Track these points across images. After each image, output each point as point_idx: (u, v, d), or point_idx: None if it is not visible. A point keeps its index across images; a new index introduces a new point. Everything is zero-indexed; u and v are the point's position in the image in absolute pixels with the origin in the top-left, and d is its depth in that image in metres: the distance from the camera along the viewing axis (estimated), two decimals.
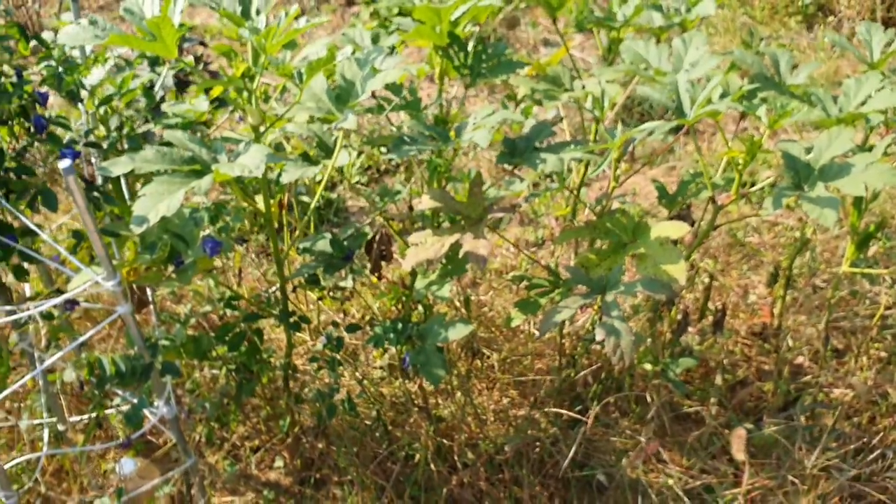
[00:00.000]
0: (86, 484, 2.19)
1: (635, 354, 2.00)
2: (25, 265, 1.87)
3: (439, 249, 1.80)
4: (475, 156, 3.71)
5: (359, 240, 2.09)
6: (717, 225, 2.12)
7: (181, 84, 2.27)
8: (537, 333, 2.61)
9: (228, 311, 2.08)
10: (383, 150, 1.93)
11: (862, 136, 2.12)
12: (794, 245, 2.68)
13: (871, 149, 1.92)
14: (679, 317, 2.36)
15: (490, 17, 2.06)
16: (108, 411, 2.24)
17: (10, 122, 1.85)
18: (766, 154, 3.40)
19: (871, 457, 2.26)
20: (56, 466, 2.24)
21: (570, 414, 2.32)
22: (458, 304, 2.67)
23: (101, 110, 1.99)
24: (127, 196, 2.07)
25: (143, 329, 1.86)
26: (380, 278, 2.21)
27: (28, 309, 1.69)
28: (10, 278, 1.97)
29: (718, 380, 2.47)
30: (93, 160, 2.19)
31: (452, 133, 1.86)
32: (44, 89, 1.92)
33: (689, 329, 2.57)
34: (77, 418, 2.31)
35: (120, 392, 2.13)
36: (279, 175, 1.95)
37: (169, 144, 1.66)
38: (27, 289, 2.22)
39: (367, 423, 2.34)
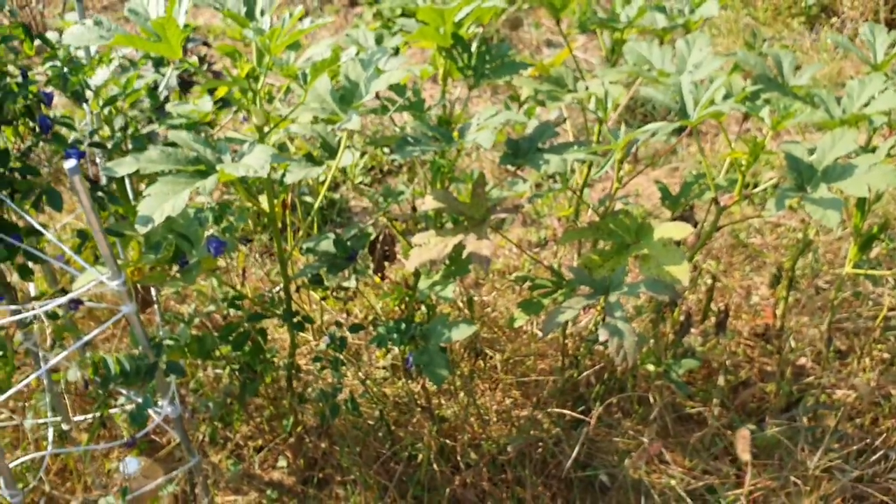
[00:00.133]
0: (90, 483, 2.20)
1: (638, 355, 2.00)
2: (30, 264, 1.88)
3: (442, 250, 1.81)
4: (478, 156, 3.72)
5: (362, 240, 2.09)
6: (720, 226, 2.12)
7: (185, 84, 2.27)
8: (540, 334, 2.61)
9: (232, 311, 2.08)
10: (386, 150, 1.94)
11: (865, 138, 2.12)
12: (797, 246, 2.68)
13: (874, 150, 1.92)
14: (682, 318, 2.36)
15: (493, 17, 2.06)
16: (112, 411, 2.25)
17: (15, 122, 1.85)
18: (769, 155, 3.40)
19: (874, 458, 2.26)
20: (60, 465, 2.25)
21: (573, 414, 2.32)
22: (461, 304, 2.68)
23: (106, 110, 1.99)
24: (131, 196, 2.08)
25: (148, 329, 1.87)
26: (383, 278, 2.22)
27: (33, 308, 1.69)
28: (14, 277, 1.98)
29: (721, 381, 2.47)
30: (97, 160, 2.20)
31: (456, 134, 1.87)
32: (49, 89, 1.93)
33: (692, 330, 2.57)
34: (81, 417, 2.31)
35: (124, 391, 2.14)
36: (283, 175, 1.95)
37: (173, 145, 1.66)
38: (32, 288, 2.22)
39: (371, 423, 2.34)
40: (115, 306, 1.75)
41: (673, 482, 2.24)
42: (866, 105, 1.92)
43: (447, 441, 2.29)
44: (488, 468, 2.26)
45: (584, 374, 2.40)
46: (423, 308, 2.27)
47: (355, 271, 2.13)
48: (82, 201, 1.48)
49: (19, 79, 1.81)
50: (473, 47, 1.99)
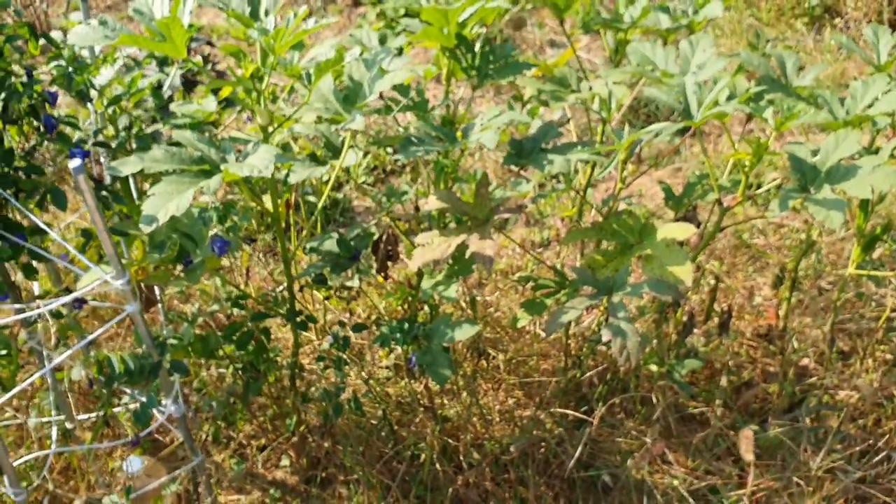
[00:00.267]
0: (93, 482, 2.20)
1: (641, 356, 2.00)
2: (34, 264, 1.88)
3: (446, 250, 1.81)
4: (481, 157, 3.72)
5: (365, 240, 2.10)
6: (723, 227, 2.12)
7: (189, 84, 2.28)
8: (543, 334, 2.61)
9: (236, 311, 2.09)
10: (390, 150, 1.94)
11: (869, 139, 2.12)
12: (800, 247, 2.68)
13: (877, 151, 1.92)
14: (685, 318, 2.36)
15: (497, 18, 2.06)
16: (115, 409, 2.25)
17: (19, 122, 1.86)
18: (773, 156, 3.40)
19: (877, 459, 2.26)
20: (64, 464, 2.25)
21: (576, 414, 2.32)
22: (464, 304, 2.68)
23: (110, 110, 2.00)
24: (135, 195, 2.08)
25: (151, 328, 1.87)
26: (386, 278, 2.22)
27: (37, 307, 1.70)
28: (19, 276, 1.98)
29: (724, 381, 2.47)
30: (102, 160, 2.20)
31: (459, 134, 1.87)
32: (53, 89, 1.93)
33: (695, 330, 2.57)
34: (85, 416, 2.32)
35: (128, 390, 2.14)
36: (287, 175, 1.95)
37: (178, 144, 1.67)
38: (36, 287, 2.23)
39: (373, 422, 2.34)
40: (119, 305, 1.75)
41: (675, 482, 2.24)
42: (870, 106, 1.92)
43: (450, 441, 2.29)
44: (491, 468, 2.26)
45: (587, 374, 2.40)
46: (426, 308, 2.28)
47: (358, 271, 2.14)
48: (87, 200, 1.49)
49: (24, 78, 1.81)
50: (477, 47, 1.99)
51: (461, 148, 1.86)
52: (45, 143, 1.88)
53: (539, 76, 2.21)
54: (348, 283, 2.19)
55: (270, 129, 1.75)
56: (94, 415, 2.31)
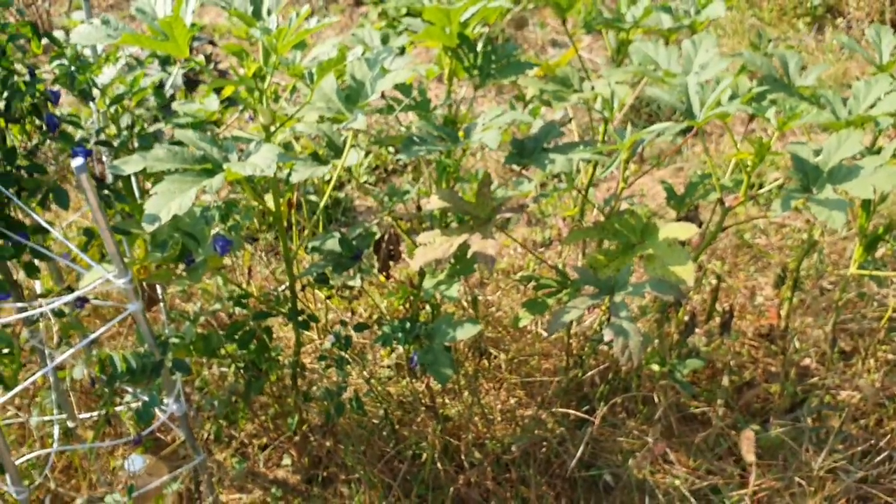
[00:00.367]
0: (95, 480, 2.21)
1: (643, 355, 2.00)
2: (37, 262, 1.88)
3: (447, 249, 1.81)
4: (483, 156, 3.72)
5: (367, 239, 2.10)
6: (725, 226, 2.12)
7: (191, 83, 2.28)
8: (545, 334, 2.61)
9: (238, 310, 2.09)
10: (392, 150, 1.94)
11: (871, 139, 2.12)
12: (802, 247, 2.68)
13: (879, 151, 1.92)
14: (686, 318, 2.36)
15: (499, 17, 2.06)
16: (117, 408, 2.26)
17: (22, 121, 1.86)
18: (775, 156, 3.40)
19: (878, 459, 2.26)
20: (66, 463, 2.25)
21: (578, 414, 2.32)
22: (465, 303, 2.68)
23: (113, 109, 2.00)
24: (137, 194, 2.08)
25: (153, 327, 1.87)
26: (388, 278, 2.22)
27: (39, 306, 1.70)
28: (21, 275, 1.98)
29: (725, 381, 2.47)
30: (104, 158, 2.20)
31: (461, 133, 1.87)
32: (56, 88, 1.93)
33: (697, 330, 2.57)
34: (87, 415, 2.32)
35: (130, 389, 2.14)
36: (289, 174, 1.96)
37: (180, 143, 1.67)
38: (38, 286, 2.23)
39: (375, 421, 2.34)
40: (121, 304, 1.75)
41: (677, 482, 2.24)
42: (872, 106, 1.92)
43: (451, 440, 2.29)
44: (492, 467, 2.26)
45: (589, 373, 2.40)
46: (428, 307, 2.28)
47: (360, 270, 2.14)
48: (89, 199, 1.49)
49: (27, 77, 1.82)
50: (479, 47, 1.99)
51: (463, 147, 1.86)
52: (48, 141, 1.88)
53: (541, 76, 2.21)
54: (350, 283, 2.19)
55: (273, 128, 1.76)
56: (95, 413, 2.31)
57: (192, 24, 1.66)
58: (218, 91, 2.08)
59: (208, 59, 2.51)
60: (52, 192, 1.82)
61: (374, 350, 2.63)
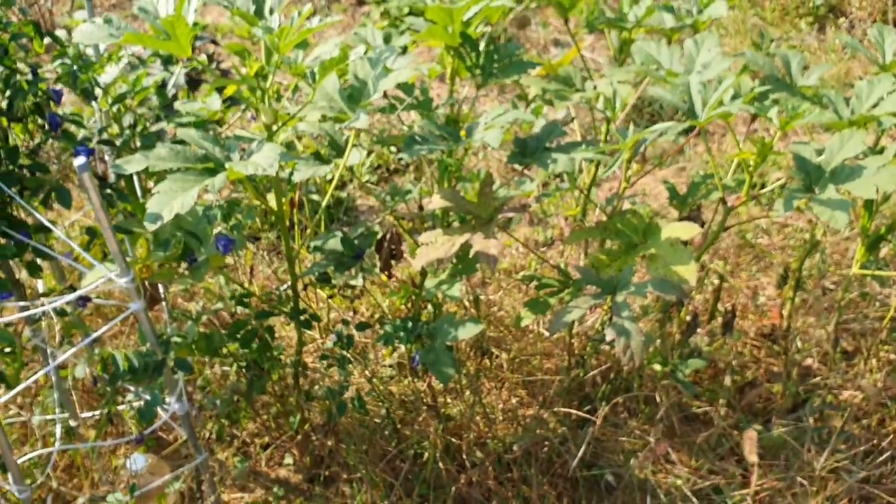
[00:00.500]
0: (97, 479, 2.21)
1: (645, 355, 2.00)
2: (39, 261, 1.88)
3: (449, 249, 1.81)
4: (485, 155, 3.72)
5: (369, 239, 2.10)
6: (728, 226, 2.12)
7: (193, 82, 2.28)
8: (547, 333, 2.61)
9: (240, 309, 2.09)
10: (394, 149, 1.94)
11: (873, 139, 2.11)
12: (804, 247, 2.68)
13: (882, 151, 1.92)
14: (688, 318, 2.36)
15: (501, 17, 2.06)
16: (119, 407, 2.26)
17: (24, 120, 1.86)
18: (777, 156, 3.40)
19: (881, 459, 2.26)
20: (68, 462, 2.25)
21: (579, 414, 2.32)
22: (467, 303, 2.68)
23: (115, 108, 2.00)
24: (140, 194, 2.08)
25: (156, 326, 1.87)
26: (390, 277, 2.22)
27: (41, 305, 1.70)
28: (23, 274, 1.98)
29: (727, 381, 2.47)
30: (106, 158, 2.20)
31: (463, 133, 1.87)
32: (58, 87, 1.93)
33: (699, 330, 2.57)
34: (89, 414, 2.32)
35: (132, 388, 2.15)
36: (291, 173, 1.96)
37: (182, 143, 1.67)
38: (40, 285, 2.23)
39: (377, 421, 2.34)
40: (123, 303, 1.75)
41: (679, 482, 2.24)
42: (875, 106, 1.91)
43: (453, 439, 2.29)
44: (494, 467, 2.26)
45: (591, 373, 2.40)
46: (430, 307, 2.28)
47: (362, 270, 2.14)
48: (91, 198, 1.49)
49: (29, 76, 1.82)
50: (481, 46, 1.99)
51: (465, 147, 1.86)
52: (50, 140, 1.89)
53: (543, 75, 2.21)
54: (352, 282, 2.19)
55: (275, 127, 1.76)
56: (97, 412, 2.31)
57: (195, 24, 1.66)
58: (220, 90, 2.08)
59: (210, 58, 2.51)
60: (54, 191, 1.82)
61: (375, 349, 2.63)
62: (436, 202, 1.89)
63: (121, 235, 1.75)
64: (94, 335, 1.68)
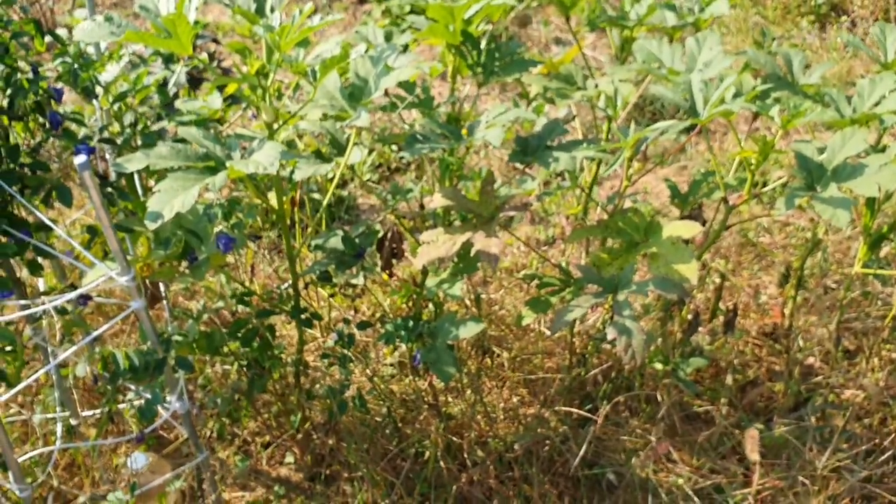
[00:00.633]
0: (98, 478, 2.21)
1: (646, 354, 2.00)
2: (40, 260, 1.88)
3: (451, 248, 1.81)
4: (487, 154, 3.71)
5: (370, 237, 2.09)
6: (729, 225, 2.12)
7: (194, 81, 2.28)
8: (548, 332, 2.61)
9: (241, 308, 2.09)
10: (395, 148, 1.94)
11: (875, 137, 2.11)
12: (806, 245, 2.68)
13: (884, 149, 1.92)
14: (690, 316, 2.36)
15: (502, 15, 2.06)
16: (120, 406, 2.26)
17: (25, 118, 1.86)
18: (779, 154, 3.39)
19: (883, 458, 2.25)
20: (68, 460, 2.25)
21: (580, 413, 2.32)
22: (468, 302, 2.68)
23: (116, 107, 2.00)
24: (141, 192, 2.08)
25: (156, 324, 1.87)
26: (391, 276, 2.22)
27: (42, 304, 1.70)
28: (24, 273, 1.98)
29: (729, 380, 2.47)
30: (107, 156, 2.20)
31: (465, 131, 1.87)
32: (59, 85, 1.93)
33: (700, 329, 2.56)
34: (89, 413, 2.32)
35: (133, 387, 2.15)
36: (292, 172, 1.95)
37: (183, 141, 1.67)
38: (41, 283, 2.23)
39: (378, 419, 2.34)
40: (124, 302, 1.75)
41: (680, 481, 2.24)
42: (877, 104, 1.91)
43: (454, 438, 2.29)
44: (495, 466, 2.26)
45: (592, 372, 2.40)
46: (431, 306, 2.28)
47: (363, 268, 2.14)
48: (92, 197, 1.49)
49: (30, 75, 1.82)
50: (483, 45, 1.99)
51: (466, 145, 1.86)
52: (51, 139, 1.88)
53: (545, 74, 2.20)
54: (353, 281, 2.19)
55: (276, 125, 1.75)
56: (98, 411, 2.31)
57: (196, 22, 1.66)
58: (221, 89, 2.08)
59: (212, 56, 2.51)
60: (55, 189, 1.82)
61: (377, 348, 2.63)
62: (437, 201, 1.89)
63: (122, 234, 1.75)
64: (95, 333, 1.68)
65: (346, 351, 2.10)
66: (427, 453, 2.25)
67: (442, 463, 2.22)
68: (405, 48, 1.96)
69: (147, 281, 1.83)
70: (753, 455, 2.14)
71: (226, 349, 2.04)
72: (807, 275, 2.92)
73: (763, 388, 2.52)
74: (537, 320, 2.65)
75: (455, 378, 2.33)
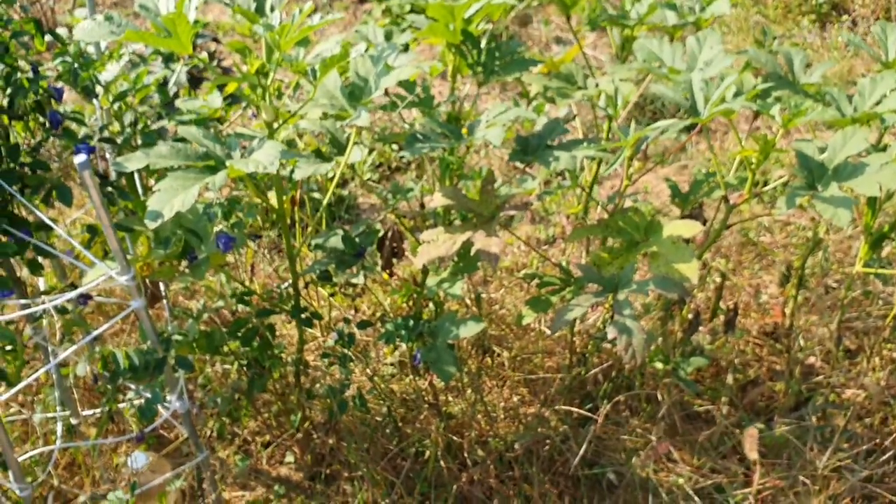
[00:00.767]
0: (98, 477, 2.21)
1: (647, 353, 1.99)
2: (40, 259, 1.88)
3: (451, 247, 1.81)
4: (487, 153, 3.71)
5: (370, 237, 2.09)
6: (730, 224, 2.11)
7: (194, 80, 2.28)
8: (548, 331, 2.61)
9: (241, 307, 2.09)
10: (395, 147, 1.94)
11: (876, 136, 2.11)
12: (807, 245, 2.68)
13: (885, 149, 1.91)
14: (690, 316, 2.36)
15: (503, 14, 2.06)
16: (120, 405, 2.26)
17: (25, 118, 1.86)
18: (780, 153, 3.39)
19: (884, 458, 2.25)
20: (69, 460, 2.25)
21: (581, 412, 2.32)
22: (469, 301, 2.68)
23: (116, 106, 2.00)
24: (141, 191, 2.08)
25: (156, 324, 1.87)
26: (391, 275, 2.22)
27: (42, 303, 1.70)
28: (24, 272, 1.98)
29: (729, 379, 2.46)
30: (107, 156, 2.20)
31: (465, 130, 1.87)
32: (59, 85, 1.93)
33: (701, 328, 2.56)
34: (90, 412, 2.32)
35: (133, 386, 2.15)
36: (292, 171, 1.95)
37: (183, 140, 1.67)
38: (41, 283, 2.23)
39: (378, 419, 2.34)
40: (124, 301, 1.75)
41: (681, 481, 2.24)
42: (878, 103, 1.91)
43: (454, 438, 2.29)
44: (495, 465, 2.26)
45: (592, 371, 2.40)
46: (431, 305, 2.28)
47: (363, 268, 2.13)
48: (92, 196, 1.48)
49: (30, 74, 1.82)
50: (483, 44, 1.98)
51: (467, 145, 1.86)
52: (51, 138, 1.88)
53: (545, 73, 2.20)
54: (353, 280, 2.19)
55: (276, 125, 1.75)
56: (98, 410, 2.31)
57: (196, 21, 1.65)
58: (221, 88, 2.08)
59: (212, 56, 2.51)
60: (55, 188, 1.82)
61: (377, 348, 2.63)
62: (437, 200, 1.89)
63: (122, 233, 1.75)
64: (95, 333, 1.68)
65: (346, 350, 2.10)
66: (427, 453, 2.25)
67: (442, 462, 2.22)
68: (405, 47, 1.96)
69: (147, 280, 1.83)
70: (752, 454, 2.14)
71: (226, 348, 2.04)
72: (808, 274, 2.92)
73: (764, 388, 2.51)
74: (537, 319, 2.64)
75: (455, 377, 2.33)
